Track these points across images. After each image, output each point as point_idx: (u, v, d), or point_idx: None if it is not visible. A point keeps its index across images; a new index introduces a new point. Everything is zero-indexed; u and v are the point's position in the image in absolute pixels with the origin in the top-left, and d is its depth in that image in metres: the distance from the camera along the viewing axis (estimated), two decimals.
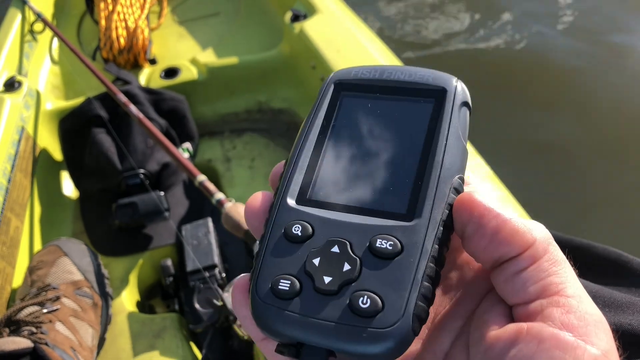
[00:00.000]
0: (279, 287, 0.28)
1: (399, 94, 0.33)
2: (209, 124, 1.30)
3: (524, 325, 0.26)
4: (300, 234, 0.29)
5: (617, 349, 0.26)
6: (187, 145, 1.22)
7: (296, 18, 1.25)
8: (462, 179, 0.30)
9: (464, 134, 0.31)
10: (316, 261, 0.28)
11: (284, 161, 0.33)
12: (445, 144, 0.30)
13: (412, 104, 0.32)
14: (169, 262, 1.02)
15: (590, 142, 1.71)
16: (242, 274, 0.32)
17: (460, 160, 0.30)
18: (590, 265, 0.53)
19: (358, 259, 0.28)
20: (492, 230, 0.27)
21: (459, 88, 0.32)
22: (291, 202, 0.31)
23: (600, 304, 0.43)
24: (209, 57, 1.33)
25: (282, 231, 0.30)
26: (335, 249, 0.28)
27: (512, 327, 0.26)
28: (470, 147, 1.01)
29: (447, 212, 0.29)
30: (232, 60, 1.29)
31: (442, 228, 0.28)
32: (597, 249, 0.55)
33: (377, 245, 0.28)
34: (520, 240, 0.27)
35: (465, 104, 0.32)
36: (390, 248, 0.28)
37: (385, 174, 0.31)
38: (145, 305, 1.04)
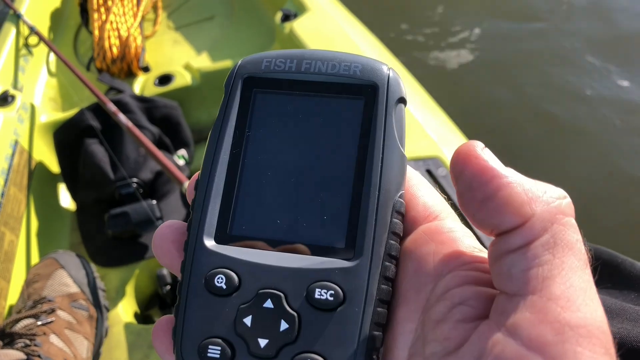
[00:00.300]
0: (208, 354, 0.24)
1: (322, 92, 0.27)
2: (205, 130, 1.28)
3: (484, 341, 0.21)
4: (225, 286, 0.25)
5: None
6: (183, 152, 1.21)
7: (286, 18, 1.23)
8: (403, 197, 0.26)
9: (401, 139, 0.27)
10: (248, 321, 0.24)
11: (197, 173, 0.28)
12: (382, 157, 0.26)
13: (338, 105, 0.27)
14: (165, 271, 1.01)
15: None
16: (163, 317, 0.27)
17: (399, 175, 0.26)
18: (612, 276, 0.50)
19: (296, 314, 0.24)
20: (483, 195, 0.22)
21: (392, 80, 0.27)
22: (209, 242, 0.26)
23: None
24: (202, 62, 1.32)
25: (202, 281, 0.25)
26: (269, 303, 0.24)
27: (472, 344, 0.21)
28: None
29: (392, 242, 0.25)
30: (225, 64, 1.28)
31: (387, 263, 0.25)
32: (625, 262, 0.51)
33: (316, 296, 0.24)
34: (515, 211, 0.22)
35: (400, 99, 0.27)
36: (332, 299, 0.24)
37: (316, 199, 0.26)
38: (142, 315, 1.04)
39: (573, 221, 0.22)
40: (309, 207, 0.26)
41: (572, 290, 0.20)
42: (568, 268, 0.21)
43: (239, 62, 0.29)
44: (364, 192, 0.25)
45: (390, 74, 0.27)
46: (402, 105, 0.27)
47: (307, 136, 0.27)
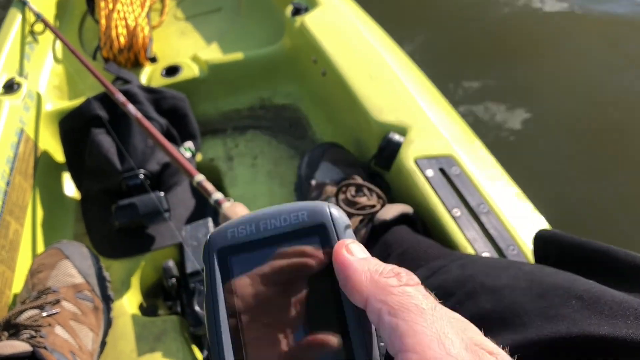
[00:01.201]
0: None
1: (285, 242, 0.32)
2: (212, 122, 1.28)
3: None
4: None
5: None
6: (189, 144, 1.20)
7: (297, 11, 1.23)
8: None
9: None
10: None
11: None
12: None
13: (300, 248, 0.32)
14: (171, 264, 1.01)
15: None
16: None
17: None
18: (612, 270, 0.51)
19: None
20: (343, 283, 0.28)
21: (335, 214, 0.32)
22: None
23: (631, 316, 0.41)
24: (210, 54, 1.31)
25: None
26: None
27: None
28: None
29: None
30: (233, 56, 1.27)
31: None
32: (619, 253, 0.52)
33: None
34: (359, 295, 0.27)
35: (347, 226, 0.32)
36: None
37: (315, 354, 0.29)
38: (147, 307, 1.03)
39: (402, 289, 0.26)
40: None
41: (425, 337, 0.24)
42: (416, 322, 0.25)
43: (208, 236, 0.34)
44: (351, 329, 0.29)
45: (332, 210, 0.32)
46: (350, 229, 0.32)
47: (285, 284, 0.31)
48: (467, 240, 0.76)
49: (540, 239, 0.65)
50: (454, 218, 0.79)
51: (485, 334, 0.49)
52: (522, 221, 0.80)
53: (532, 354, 0.45)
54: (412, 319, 0.25)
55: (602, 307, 0.43)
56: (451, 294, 0.57)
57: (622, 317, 0.41)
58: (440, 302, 0.27)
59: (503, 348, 0.25)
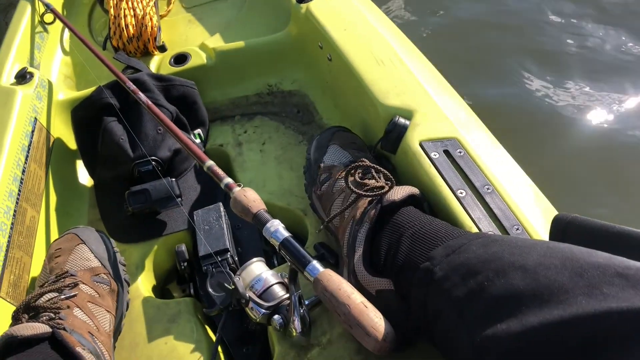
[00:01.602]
0: None
1: None
2: (220, 109, 1.29)
3: None
4: None
5: None
6: (199, 130, 1.22)
7: None
8: None
9: None
10: None
11: None
12: None
13: None
14: (183, 248, 1.03)
15: None
16: None
17: None
18: (636, 249, 0.51)
19: None
20: None
21: None
22: None
23: None
24: (217, 41, 1.33)
25: None
26: None
27: None
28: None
29: None
30: (240, 44, 1.29)
31: None
32: (634, 233, 0.52)
33: None
34: None
35: None
36: None
37: None
38: (161, 290, 1.06)
39: None
40: None
41: None
42: None
43: None
44: None
45: None
46: None
47: None
48: (472, 220, 0.78)
49: (560, 222, 0.65)
50: (458, 198, 0.81)
51: (524, 310, 0.48)
52: (526, 201, 0.81)
53: (578, 332, 0.43)
54: None
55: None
56: (476, 272, 0.57)
57: None
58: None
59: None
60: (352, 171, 0.86)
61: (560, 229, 0.64)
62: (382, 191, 0.81)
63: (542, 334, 0.46)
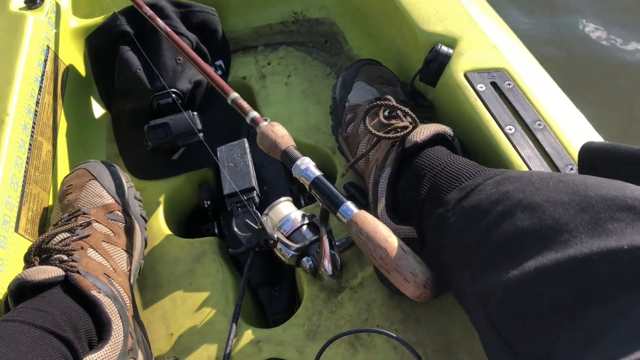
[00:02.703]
0: None
1: None
2: (242, 39, 1.21)
3: None
4: None
5: None
6: (220, 62, 1.15)
7: None
8: None
9: None
10: None
11: None
12: None
13: None
14: (207, 185, 0.99)
15: None
16: None
17: None
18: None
19: None
20: None
21: None
22: None
23: None
24: None
25: None
26: None
27: None
28: None
29: None
30: None
31: None
32: None
33: None
34: None
35: None
36: None
37: None
38: (185, 228, 1.02)
39: None
40: None
41: None
42: None
43: None
44: None
45: None
46: None
47: None
48: (522, 158, 0.71)
49: (588, 151, 0.60)
50: (507, 135, 0.74)
51: (524, 254, 0.45)
52: (580, 139, 0.74)
53: (577, 274, 0.40)
54: None
55: None
56: (485, 215, 0.53)
57: None
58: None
59: None
60: (375, 110, 0.79)
61: (588, 160, 0.60)
62: (405, 132, 0.73)
63: (537, 281, 0.43)
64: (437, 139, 0.73)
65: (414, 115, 0.74)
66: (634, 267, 0.37)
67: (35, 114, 0.95)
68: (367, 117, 0.78)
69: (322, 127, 1.01)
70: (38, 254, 0.74)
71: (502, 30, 0.90)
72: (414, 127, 0.74)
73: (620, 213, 0.40)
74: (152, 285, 0.86)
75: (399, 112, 0.77)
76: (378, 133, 0.75)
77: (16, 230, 0.82)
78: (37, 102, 0.96)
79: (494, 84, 0.79)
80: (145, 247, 0.89)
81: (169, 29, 0.95)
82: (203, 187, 0.97)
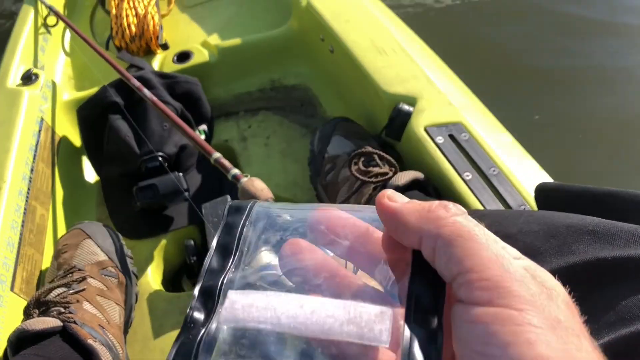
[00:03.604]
0: None
1: None
2: (224, 105, 1.30)
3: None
4: None
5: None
6: (203, 127, 1.23)
7: None
8: None
9: None
10: None
11: None
12: None
13: None
14: (192, 242, 1.04)
15: None
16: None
17: None
18: (617, 210, 0.52)
19: None
20: (392, 229, 0.28)
21: None
22: None
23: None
24: (219, 39, 1.34)
25: None
26: None
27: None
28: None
29: None
30: (242, 40, 1.29)
31: None
32: (621, 193, 0.53)
33: None
34: (412, 236, 0.27)
35: None
36: None
37: None
38: (171, 284, 1.06)
39: (454, 219, 0.26)
40: None
41: (483, 258, 0.25)
42: (471, 247, 0.25)
43: None
44: None
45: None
46: None
47: None
48: (479, 201, 0.78)
49: (542, 191, 0.66)
50: (465, 181, 0.81)
51: None
52: (531, 182, 0.82)
53: None
54: (467, 244, 0.25)
55: (613, 237, 0.43)
56: None
57: (633, 242, 0.42)
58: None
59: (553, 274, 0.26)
60: (356, 159, 0.86)
61: (543, 198, 0.66)
62: (386, 177, 0.81)
63: None
64: (414, 184, 0.81)
65: (391, 160, 0.82)
66: (596, 275, 0.43)
67: (30, 180, 1.01)
68: (351, 165, 0.85)
69: (300, 183, 1.08)
70: (37, 307, 0.79)
71: (457, 88, 1.00)
72: (395, 173, 0.81)
73: (584, 236, 0.47)
74: (142, 338, 0.90)
75: (376, 157, 0.85)
76: (363, 178, 0.82)
77: (12, 289, 0.87)
78: (32, 170, 1.03)
79: (451, 136, 0.88)
80: (136, 301, 0.94)
81: (155, 98, 1.03)
82: (189, 244, 1.03)
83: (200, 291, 0.29)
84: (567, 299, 0.24)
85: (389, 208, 0.28)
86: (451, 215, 0.26)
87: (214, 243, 0.31)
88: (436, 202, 0.28)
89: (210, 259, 0.31)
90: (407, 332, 0.25)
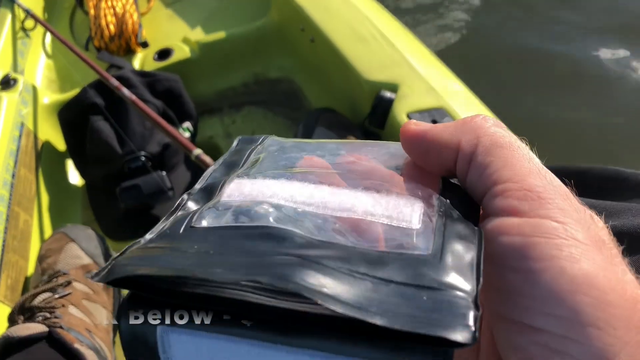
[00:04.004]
0: None
1: None
2: (208, 102, 1.29)
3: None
4: None
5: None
6: (187, 124, 1.22)
7: None
8: None
9: None
10: None
11: None
12: None
13: None
14: None
15: None
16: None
17: None
18: (588, 185, 0.51)
19: None
20: (424, 151, 0.25)
21: None
22: None
23: (633, 210, 0.40)
24: (200, 34, 1.32)
25: None
26: None
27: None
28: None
29: None
30: (223, 34, 1.28)
31: None
32: (594, 169, 0.52)
33: None
34: (447, 144, 0.24)
35: None
36: None
37: None
38: None
39: (494, 129, 0.24)
40: None
41: (524, 169, 0.22)
42: (512, 157, 0.22)
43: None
44: None
45: None
46: None
47: None
48: None
49: None
50: None
51: None
52: None
53: None
54: (508, 153, 0.22)
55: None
56: None
57: (618, 214, 0.40)
58: None
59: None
60: None
61: None
62: None
63: None
64: None
65: None
66: None
67: (12, 186, 1.00)
68: None
69: None
70: (22, 313, 0.78)
71: (440, 72, 0.98)
72: None
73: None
74: None
75: None
76: None
77: None
78: (13, 175, 1.02)
79: (434, 122, 0.86)
80: None
81: (134, 97, 1.01)
82: None
83: (199, 189, 0.25)
84: (607, 230, 0.22)
85: (417, 131, 0.25)
86: (491, 126, 0.24)
87: (220, 160, 0.28)
88: (471, 115, 0.25)
89: (214, 169, 0.27)
90: (439, 219, 0.21)
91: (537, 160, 0.23)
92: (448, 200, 0.23)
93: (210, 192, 0.25)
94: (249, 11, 1.35)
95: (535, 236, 0.20)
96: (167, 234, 0.23)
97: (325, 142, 0.28)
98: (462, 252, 0.20)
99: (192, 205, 0.24)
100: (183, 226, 0.23)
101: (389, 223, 0.21)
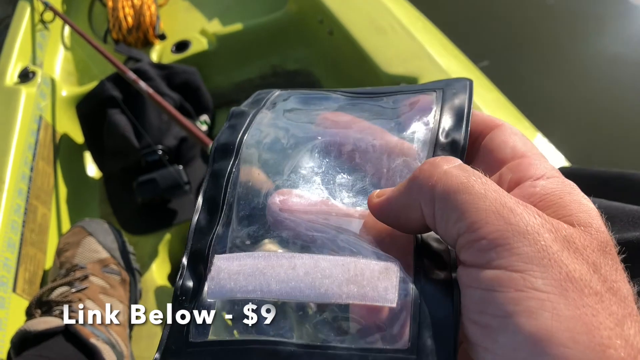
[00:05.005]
0: None
1: None
2: (225, 94, 1.28)
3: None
4: None
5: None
6: (205, 117, 1.21)
7: None
8: None
9: None
10: None
11: None
12: None
13: None
14: None
15: None
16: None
17: None
18: (625, 190, 0.49)
19: None
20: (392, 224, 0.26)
21: None
22: None
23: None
24: (217, 26, 1.31)
25: None
26: None
27: None
28: None
29: None
30: (241, 26, 1.26)
31: None
32: (630, 175, 0.50)
33: None
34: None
35: None
36: None
37: None
38: (176, 278, 1.05)
39: (444, 174, 0.23)
40: None
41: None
42: (467, 202, 0.22)
43: None
44: None
45: None
46: None
47: None
48: None
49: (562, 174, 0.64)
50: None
51: None
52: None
53: None
54: (462, 198, 0.21)
55: (613, 220, 0.40)
56: None
57: (633, 225, 0.39)
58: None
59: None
60: None
61: None
62: None
63: None
64: None
65: None
66: None
67: (30, 180, 1.00)
68: None
69: None
70: (39, 307, 0.78)
71: (461, 64, 0.96)
72: None
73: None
74: (147, 334, 0.89)
75: None
76: None
77: (14, 290, 0.86)
78: (32, 169, 1.02)
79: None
80: (140, 298, 0.92)
81: (150, 90, 1.01)
82: None
83: (189, 257, 0.27)
84: (602, 239, 0.20)
85: (380, 202, 0.25)
86: (441, 169, 0.23)
87: (200, 199, 0.29)
88: (422, 164, 0.24)
89: (197, 216, 0.28)
90: (414, 288, 0.22)
91: (493, 194, 0.21)
92: (425, 259, 0.23)
93: (198, 262, 0.27)
94: (267, 2, 1.34)
95: (493, 290, 0.19)
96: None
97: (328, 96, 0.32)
98: (437, 342, 0.21)
99: (188, 286, 0.27)
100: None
101: (365, 303, 0.22)
